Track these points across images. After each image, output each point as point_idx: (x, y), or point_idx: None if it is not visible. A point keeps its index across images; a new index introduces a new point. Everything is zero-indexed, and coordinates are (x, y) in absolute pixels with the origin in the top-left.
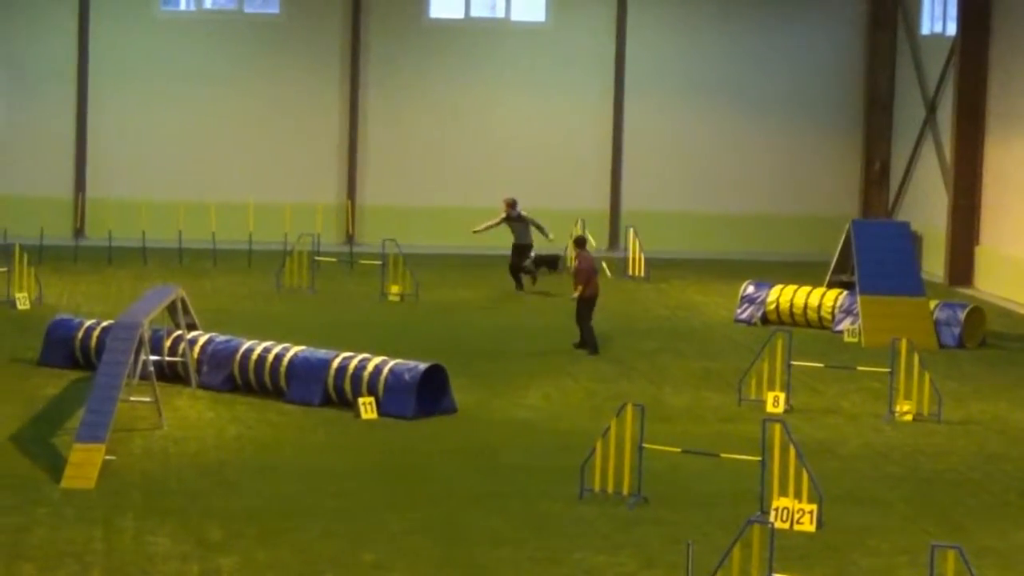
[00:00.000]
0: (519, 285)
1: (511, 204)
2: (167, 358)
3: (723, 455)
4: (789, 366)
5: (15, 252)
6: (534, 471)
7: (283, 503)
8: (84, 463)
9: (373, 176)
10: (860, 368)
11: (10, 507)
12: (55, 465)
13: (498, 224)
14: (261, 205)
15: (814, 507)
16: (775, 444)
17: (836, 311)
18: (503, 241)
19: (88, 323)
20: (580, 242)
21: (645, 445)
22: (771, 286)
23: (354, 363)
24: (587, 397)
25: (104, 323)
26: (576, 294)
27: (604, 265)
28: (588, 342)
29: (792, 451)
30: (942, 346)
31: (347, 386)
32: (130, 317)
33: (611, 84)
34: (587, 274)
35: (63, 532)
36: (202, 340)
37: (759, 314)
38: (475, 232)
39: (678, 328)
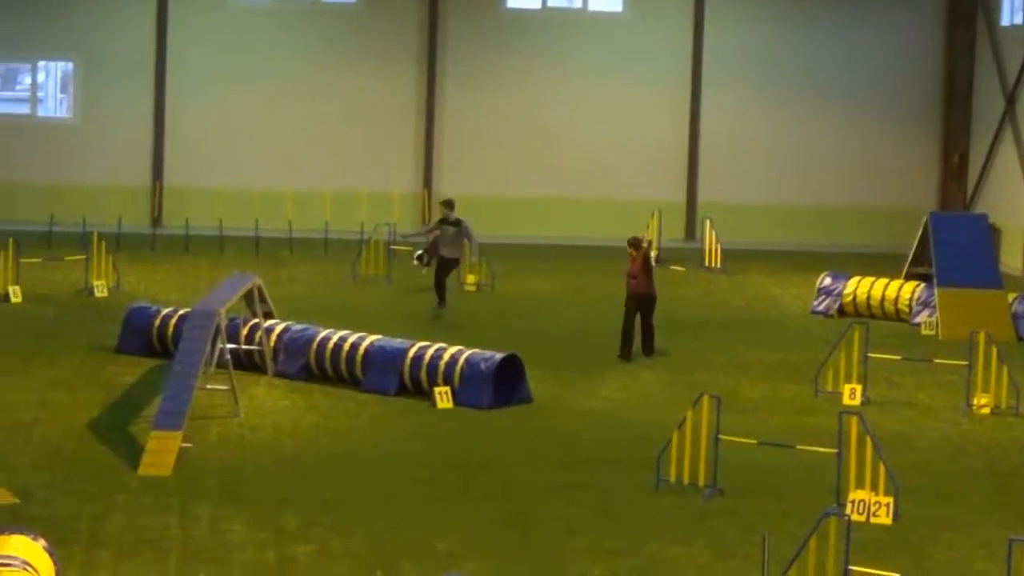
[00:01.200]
0: (442, 302)
1: (449, 205)
2: (244, 346)
3: (799, 447)
4: (866, 358)
5: (93, 240)
6: (610, 462)
7: (358, 492)
8: (161, 451)
9: (449, 166)
10: (937, 361)
11: (88, 494)
12: (132, 452)
13: (432, 231)
14: (337, 194)
15: (891, 500)
16: (852, 436)
17: (913, 303)
18: (582, 230)
19: (165, 311)
20: (631, 242)
21: (721, 436)
22: (848, 278)
23: (430, 352)
24: (663, 388)
25: (181, 311)
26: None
27: (653, 257)
28: (622, 347)
29: (869, 443)
30: (1020, 339)
31: (423, 375)
32: (207, 305)
33: (688, 75)
34: (630, 274)
35: (140, 519)
36: (278, 328)
37: (836, 306)
38: (403, 237)
39: (754, 319)
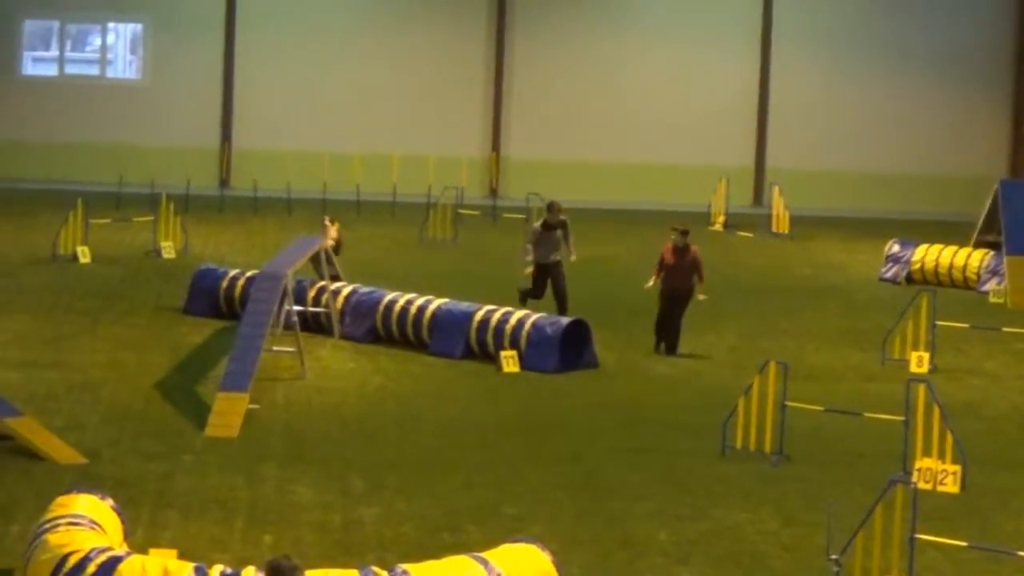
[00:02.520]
0: (562, 309)
1: (551, 209)
2: (310, 308)
3: (866, 414)
4: (934, 326)
5: (162, 201)
6: (676, 427)
7: (424, 455)
8: (228, 412)
9: (517, 130)
10: (1006, 329)
11: (156, 454)
12: (199, 413)
13: (536, 239)
14: (405, 157)
15: (958, 468)
16: (919, 404)
17: (982, 271)
18: (650, 195)
19: (233, 272)
20: (682, 230)
21: (787, 403)
22: (917, 245)
23: (496, 316)
24: (730, 354)
25: (248, 273)
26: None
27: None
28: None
29: (936, 411)
30: None
31: (489, 339)
32: (274, 267)
33: (758, 38)
34: (662, 262)
35: (207, 479)
36: (345, 291)
37: (904, 273)
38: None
39: (822, 286)
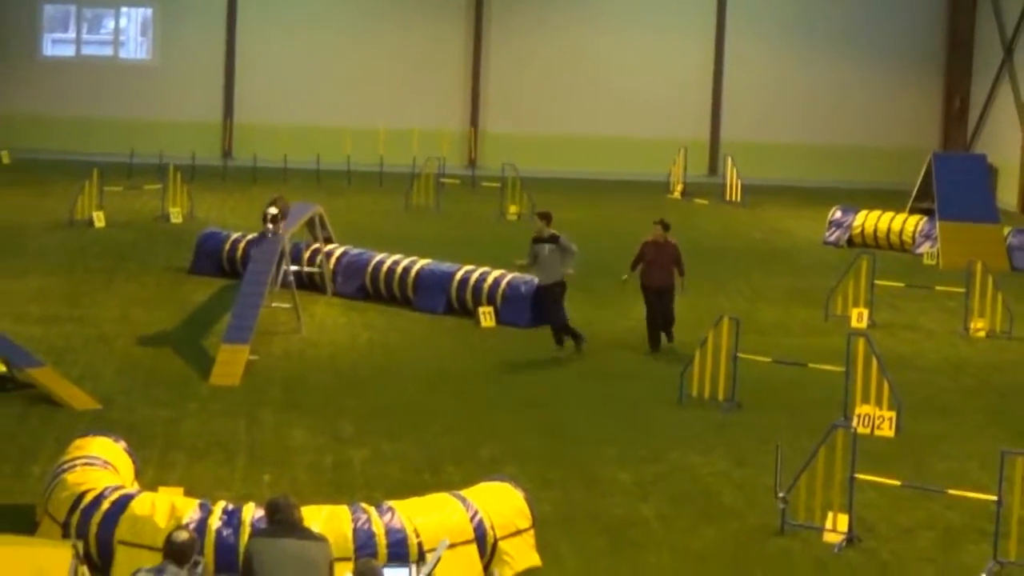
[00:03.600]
0: (577, 340)
1: (543, 218)
2: (306, 268)
3: (810, 365)
4: (872, 285)
5: (170, 171)
6: (637, 377)
7: (409, 402)
8: (230, 362)
9: (494, 105)
10: (938, 288)
11: (164, 401)
12: (204, 364)
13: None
14: (392, 131)
15: (893, 414)
16: (859, 356)
17: (916, 235)
18: (614, 166)
19: (235, 236)
20: (664, 224)
21: (739, 355)
22: (857, 211)
23: (475, 276)
24: (687, 311)
25: (249, 236)
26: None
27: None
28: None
29: (874, 363)
30: (1014, 269)
31: (468, 296)
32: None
33: (713, 23)
34: (638, 258)
35: (211, 424)
36: (337, 252)
37: (845, 237)
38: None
39: (771, 249)
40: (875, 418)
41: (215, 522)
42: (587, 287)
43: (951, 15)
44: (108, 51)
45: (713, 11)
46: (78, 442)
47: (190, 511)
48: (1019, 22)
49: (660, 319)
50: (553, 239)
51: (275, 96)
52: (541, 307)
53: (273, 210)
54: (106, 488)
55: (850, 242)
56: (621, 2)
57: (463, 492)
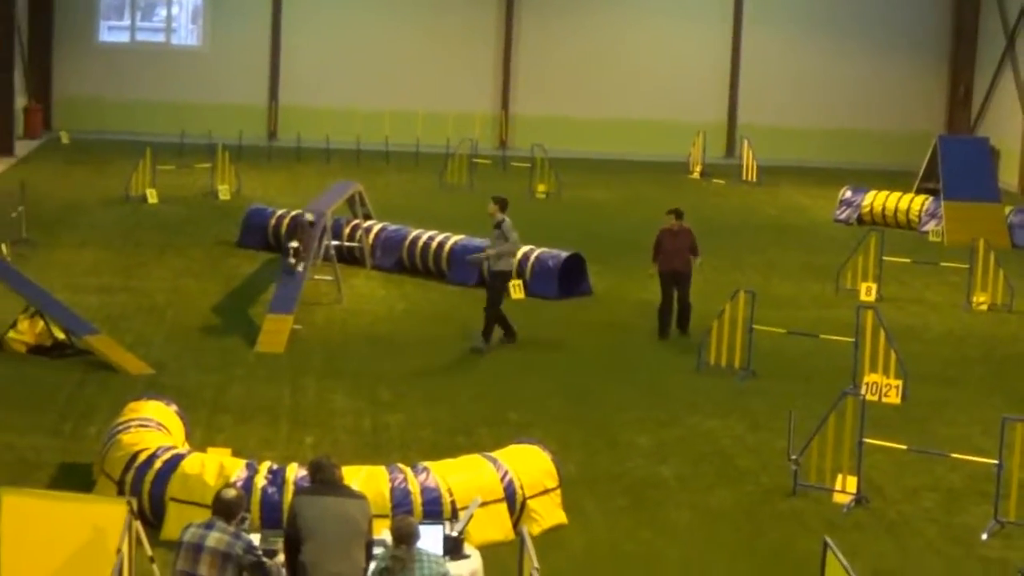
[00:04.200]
0: (507, 334)
1: (496, 202)
2: (346, 243)
3: (822, 336)
4: (881, 261)
5: (218, 151)
6: (658, 346)
7: (442, 369)
8: (275, 331)
9: (524, 90)
10: (942, 264)
11: (213, 367)
12: (250, 332)
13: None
14: (427, 113)
15: (900, 383)
16: (867, 328)
17: (923, 214)
18: (637, 147)
19: (279, 212)
20: (677, 213)
21: (755, 326)
22: (866, 191)
23: None
24: (705, 284)
25: (293, 212)
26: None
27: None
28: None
29: (882, 334)
30: (1015, 246)
31: None
32: (315, 207)
33: (731, 11)
34: (656, 247)
35: (256, 389)
36: (376, 228)
37: (855, 215)
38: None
39: (785, 226)
40: (882, 386)
41: (261, 481)
42: (610, 261)
43: (957, 6)
44: (160, 38)
45: (731, 1)
46: (132, 405)
47: (237, 470)
48: (1020, 13)
49: (675, 305)
50: (497, 226)
51: (318, 80)
52: (567, 279)
53: (294, 244)
54: (158, 448)
55: (860, 220)
56: None
57: (494, 454)
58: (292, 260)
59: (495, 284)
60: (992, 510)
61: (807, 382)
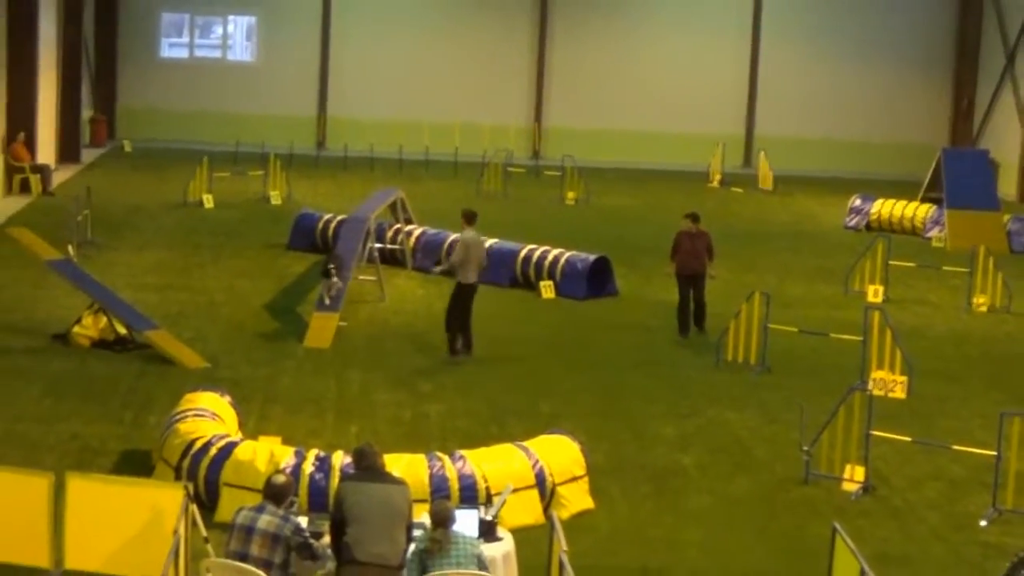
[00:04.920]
0: (454, 345)
1: (465, 216)
2: (389, 245)
3: (832, 335)
4: (887, 265)
5: (270, 159)
6: (679, 344)
7: (478, 364)
8: (322, 328)
9: (555, 103)
10: (945, 268)
11: (264, 361)
12: (299, 329)
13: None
14: (465, 125)
15: (905, 379)
16: (875, 327)
17: (927, 221)
18: (661, 157)
19: (327, 216)
20: (693, 217)
21: (769, 325)
22: (874, 200)
23: (537, 253)
24: (723, 285)
25: (339, 217)
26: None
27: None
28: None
29: (888, 333)
30: (1013, 251)
31: (531, 271)
32: (360, 212)
33: (749, 29)
34: (674, 248)
35: (304, 381)
36: (416, 232)
37: (864, 222)
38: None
39: (798, 232)
40: (889, 382)
41: (308, 467)
42: (635, 264)
43: (960, 25)
44: (217, 53)
45: (749, 21)
46: (189, 396)
47: (287, 457)
48: (1020, 32)
49: (692, 305)
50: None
51: (364, 93)
52: (595, 281)
53: (334, 279)
54: (214, 436)
55: (868, 227)
56: (668, 13)
57: (526, 443)
58: (327, 289)
59: (454, 294)
60: (991, 499)
61: (818, 378)
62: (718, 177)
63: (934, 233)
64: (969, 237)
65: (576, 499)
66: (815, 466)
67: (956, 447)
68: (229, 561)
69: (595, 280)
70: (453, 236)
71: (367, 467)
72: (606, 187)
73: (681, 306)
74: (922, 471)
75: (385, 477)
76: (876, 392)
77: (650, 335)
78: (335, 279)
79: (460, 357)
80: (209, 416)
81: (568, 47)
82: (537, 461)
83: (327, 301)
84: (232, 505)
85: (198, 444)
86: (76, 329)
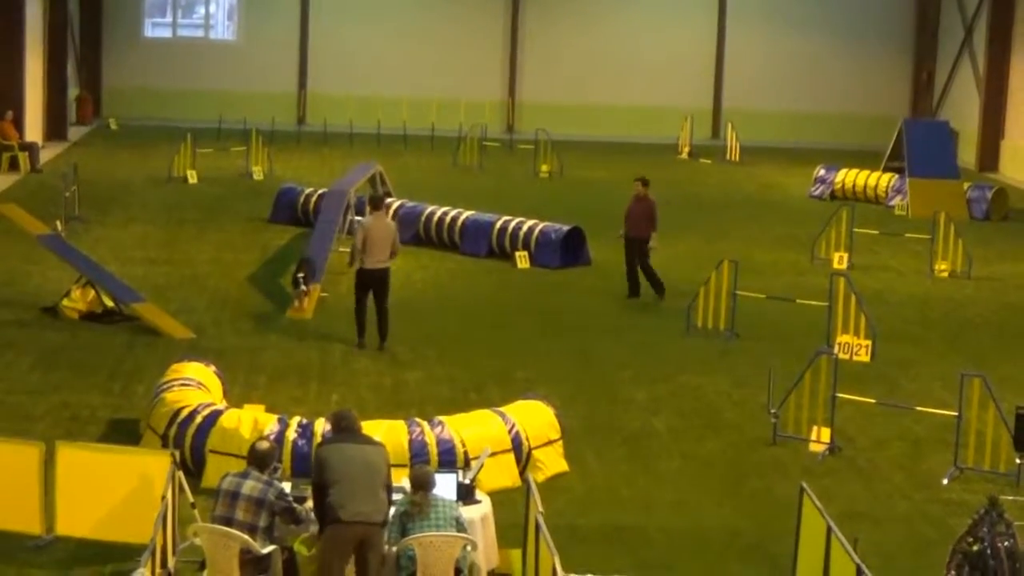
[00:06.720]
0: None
1: (371, 202)
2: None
3: (798, 301)
4: (851, 232)
5: (252, 135)
6: (651, 310)
7: (456, 331)
8: (304, 298)
9: (529, 78)
10: (907, 235)
11: (248, 331)
12: (282, 300)
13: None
14: (442, 100)
15: (869, 343)
16: (839, 293)
17: (889, 190)
18: (631, 130)
19: (308, 190)
20: (643, 181)
21: (737, 292)
22: (838, 169)
23: (512, 224)
24: (693, 254)
25: (320, 190)
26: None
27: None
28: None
29: (853, 298)
30: (972, 218)
31: (507, 242)
32: (340, 186)
33: (716, 6)
34: (627, 213)
35: (288, 351)
36: (395, 204)
37: (828, 192)
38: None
39: (764, 202)
40: (853, 345)
41: (291, 434)
42: (607, 234)
43: (920, 2)
44: (200, 33)
45: None
46: (175, 366)
47: (270, 425)
48: (978, 7)
49: (644, 271)
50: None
51: (342, 70)
52: (568, 250)
53: (302, 275)
54: (199, 404)
55: (832, 196)
56: None
57: (502, 408)
58: (298, 288)
59: (355, 281)
60: (952, 457)
61: (785, 343)
62: (687, 149)
63: (896, 201)
64: (930, 205)
65: (551, 462)
66: (783, 428)
67: (918, 408)
68: (215, 526)
69: (569, 250)
70: (429, 209)
71: (345, 428)
72: (579, 160)
73: (628, 269)
74: (886, 432)
75: (362, 438)
76: (841, 356)
77: (622, 303)
78: (303, 287)
79: (366, 349)
80: (195, 385)
81: (541, 24)
82: (513, 425)
83: (296, 304)
84: (217, 471)
85: (184, 413)
86: (65, 302)
